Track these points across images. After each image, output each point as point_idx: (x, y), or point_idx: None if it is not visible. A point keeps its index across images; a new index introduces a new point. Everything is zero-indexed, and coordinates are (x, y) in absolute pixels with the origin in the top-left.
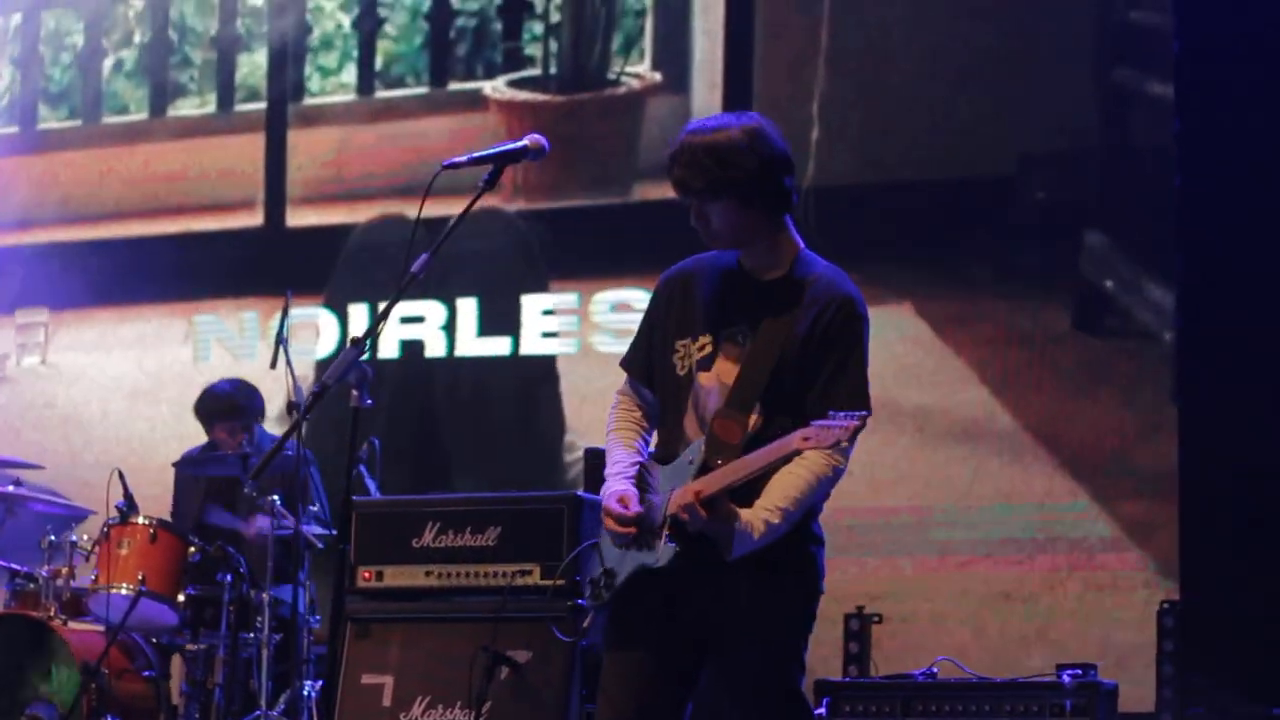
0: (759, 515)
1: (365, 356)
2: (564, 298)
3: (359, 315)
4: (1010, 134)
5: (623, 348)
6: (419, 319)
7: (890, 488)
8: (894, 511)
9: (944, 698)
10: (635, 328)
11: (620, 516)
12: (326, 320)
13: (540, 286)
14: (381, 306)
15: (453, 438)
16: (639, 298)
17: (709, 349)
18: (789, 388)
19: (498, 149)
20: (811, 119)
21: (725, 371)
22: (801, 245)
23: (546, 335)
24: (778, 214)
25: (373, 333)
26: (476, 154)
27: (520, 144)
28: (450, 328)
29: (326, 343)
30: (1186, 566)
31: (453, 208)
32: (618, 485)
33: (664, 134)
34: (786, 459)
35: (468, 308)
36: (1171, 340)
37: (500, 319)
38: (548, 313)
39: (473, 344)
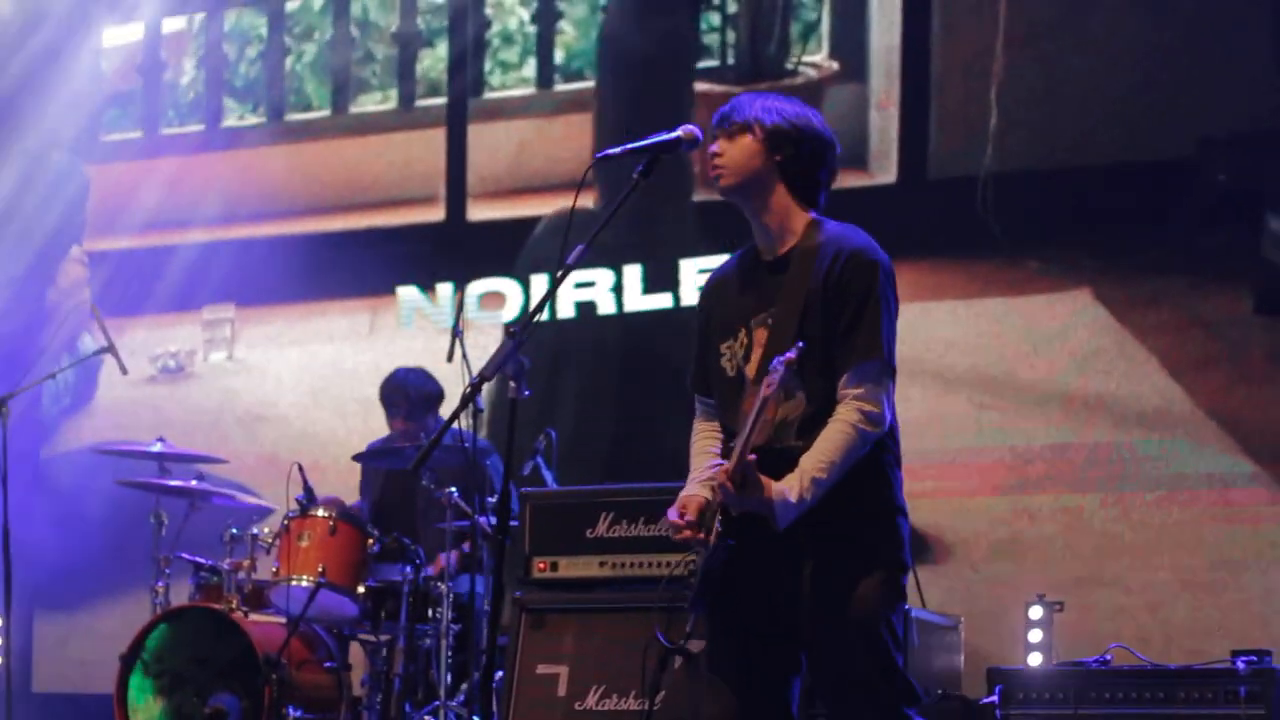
0: (793, 480)
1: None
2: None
3: (540, 284)
4: (1190, 117)
5: None
6: (590, 284)
7: (1072, 475)
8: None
9: (1117, 685)
10: None
11: (674, 525)
12: (512, 289)
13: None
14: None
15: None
16: None
17: (745, 342)
18: (817, 351)
19: (651, 140)
20: (989, 105)
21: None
22: (813, 214)
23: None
24: (798, 192)
25: (528, 323)
26: (630, 144)
27: (674, 134)
28: (619, 289)
29: (512, 309)
30: None
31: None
32: (684, 491)
33: (843, 122)
34: (763, 407)
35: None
36: None
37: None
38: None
39: (639, 300)
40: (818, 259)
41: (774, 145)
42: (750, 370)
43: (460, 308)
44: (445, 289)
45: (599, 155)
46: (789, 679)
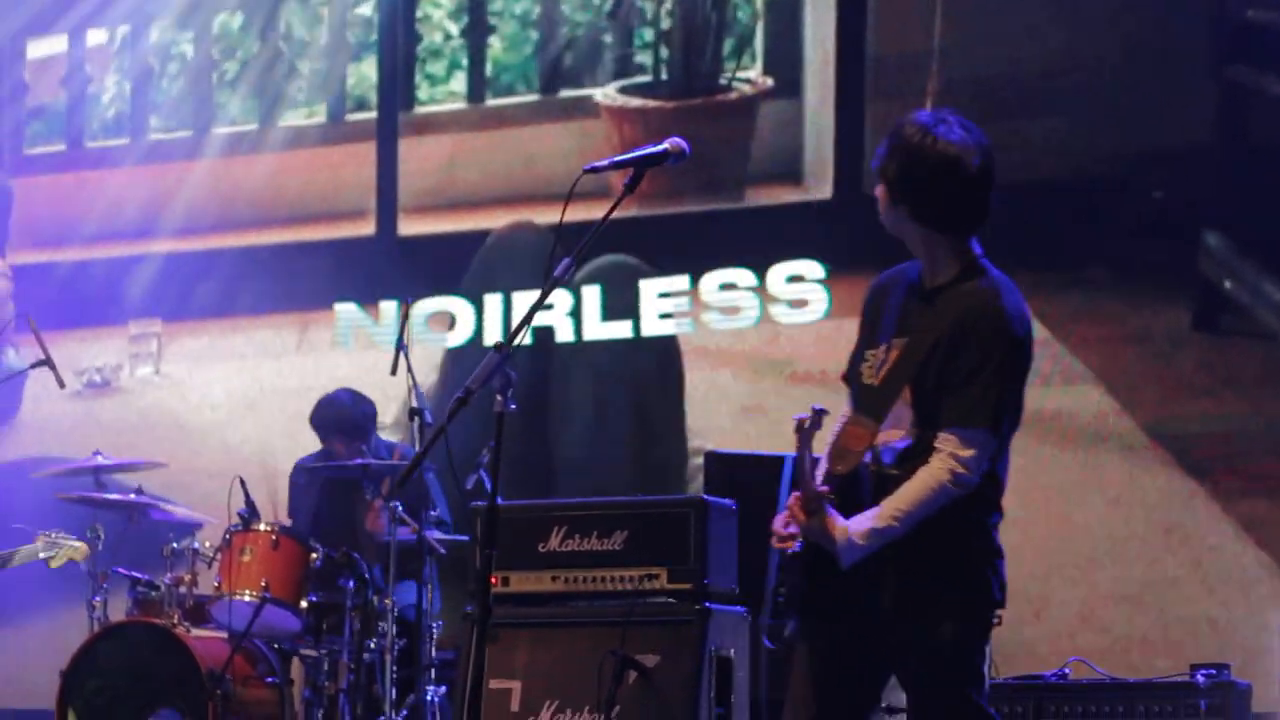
0: (863, 523)
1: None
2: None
3: (494, 305)
4: (1127, 133)
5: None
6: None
7: (1010, 489)
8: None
9: (1077, 698)
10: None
11: (778, 535)
12: (463, 309)
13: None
14: (523, 311)
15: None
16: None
17: (883, 357)
18: (927, 398)
19: (638, 152)
20: None
21: None
22: (976, 253)
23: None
24: (936, 229)
25: (515, 336)
26: (618, 158)
27: (661, 147)
28: (576, 314)
29: (462, 333)
30: None
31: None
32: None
33: (776, 138)
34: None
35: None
36: None
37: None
38: (664, 295)
39: (598, 328)
40: (953, 312)
41: (897, 198)
42: (877, 383)
43: (405, 321)
44: (388, 306)
45: (587, 168)
46: (861, 695)
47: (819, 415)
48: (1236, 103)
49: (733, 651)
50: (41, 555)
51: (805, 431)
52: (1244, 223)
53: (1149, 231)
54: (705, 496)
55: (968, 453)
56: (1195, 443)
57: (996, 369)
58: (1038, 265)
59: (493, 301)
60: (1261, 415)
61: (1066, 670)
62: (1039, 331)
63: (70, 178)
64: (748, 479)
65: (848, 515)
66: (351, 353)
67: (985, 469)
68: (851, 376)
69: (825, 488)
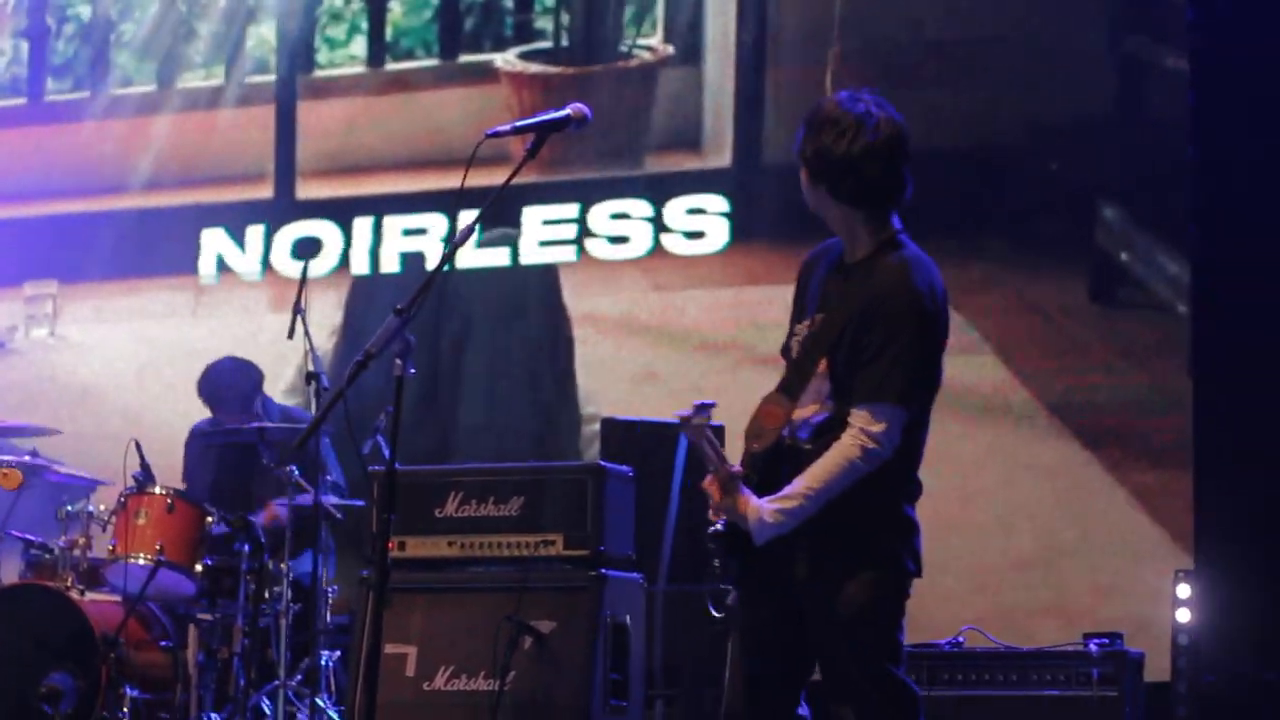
0: (773, 502)
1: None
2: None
3: (363, 228)
4: (1023, 104)
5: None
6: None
7: None
8: None
9: (970, 667)
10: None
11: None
12: (331, 230)
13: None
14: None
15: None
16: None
17: (806, 332)
18: (841, 374)
19: (540, 118)
20: (825, 90)
21: None
22: (895, 229)
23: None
24: (852, 205)
25: (416, 302)
26: (519, 123)
27: (563, 113)
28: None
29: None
30: (1201, 537)
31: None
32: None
33: (675, 106)
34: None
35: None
36: (1187, 313)
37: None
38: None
39: (473, 255)
40: (868, 288)
41: (815, 177)
42: (795, 358)
43: (302, 283)
44: (255, 232)
45: (489, 133)
46: (795, 675)
47: (702, 409)
48: (1133, 76)
49: (628, 618)
50: None
51: (690, 425)
52: (1140, 195)
53: (1046, 203)
54: (602, 463)
55: (878, 427)
56: (1091, 413)
57: (907, 344)
58: (936, 235)
59: (362, 225)
60: (1156, 387)
61: (960, 639)
62: None
63: None
64: (645, 445)
65: (770, 491)
66: (249, 312)
67: (897, 443)
68: (785, 351)
69: (738, 468)
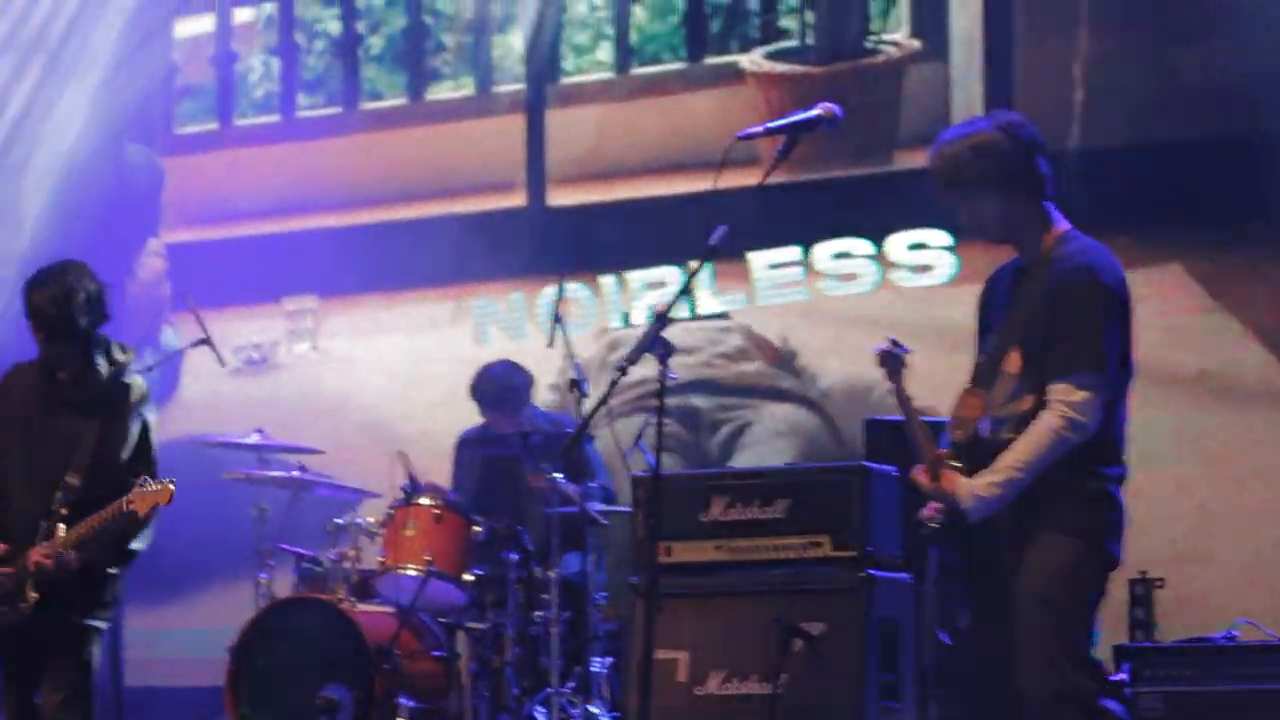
0: (983, 479)
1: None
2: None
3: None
4: None
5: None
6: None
7: (1168, 450)
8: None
9: (1247, 661)
10: None
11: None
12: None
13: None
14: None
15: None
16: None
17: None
18: (1036, 362)
19: (791, 119)
20: (1075, 81)
21: None
22: (1065, 227)
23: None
24: (1035, 199)
25: (674, 305)
26: (770, 124)
27: (814, 113)
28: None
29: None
30: None
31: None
32: None
33: (924, 101)
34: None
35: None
36: None
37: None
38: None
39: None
40: (1048, 279)
41: (1009, 184)
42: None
43: (560, 292)
44: (528, 278)
45: (740, 135)
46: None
47: (895, 345)
48: None
49: (899, 618)
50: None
51: (892, 369)
52: None
53: None
54: (867, 463)
55: (1079, 396)
56: None
57: (1096, 319)
58: (1191, 224)
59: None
60: None
61: (1236, 632)
62: (1194, 290)
63: (221, 156)
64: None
65: None
66: (507, 326)
67: (1100, 415)
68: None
69: (944, 450)
